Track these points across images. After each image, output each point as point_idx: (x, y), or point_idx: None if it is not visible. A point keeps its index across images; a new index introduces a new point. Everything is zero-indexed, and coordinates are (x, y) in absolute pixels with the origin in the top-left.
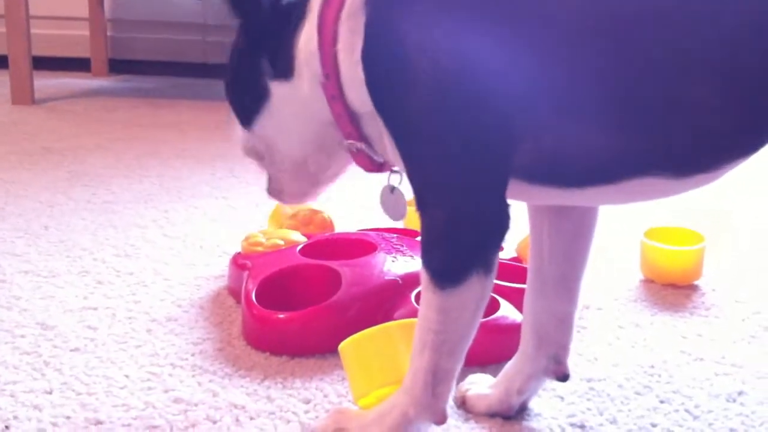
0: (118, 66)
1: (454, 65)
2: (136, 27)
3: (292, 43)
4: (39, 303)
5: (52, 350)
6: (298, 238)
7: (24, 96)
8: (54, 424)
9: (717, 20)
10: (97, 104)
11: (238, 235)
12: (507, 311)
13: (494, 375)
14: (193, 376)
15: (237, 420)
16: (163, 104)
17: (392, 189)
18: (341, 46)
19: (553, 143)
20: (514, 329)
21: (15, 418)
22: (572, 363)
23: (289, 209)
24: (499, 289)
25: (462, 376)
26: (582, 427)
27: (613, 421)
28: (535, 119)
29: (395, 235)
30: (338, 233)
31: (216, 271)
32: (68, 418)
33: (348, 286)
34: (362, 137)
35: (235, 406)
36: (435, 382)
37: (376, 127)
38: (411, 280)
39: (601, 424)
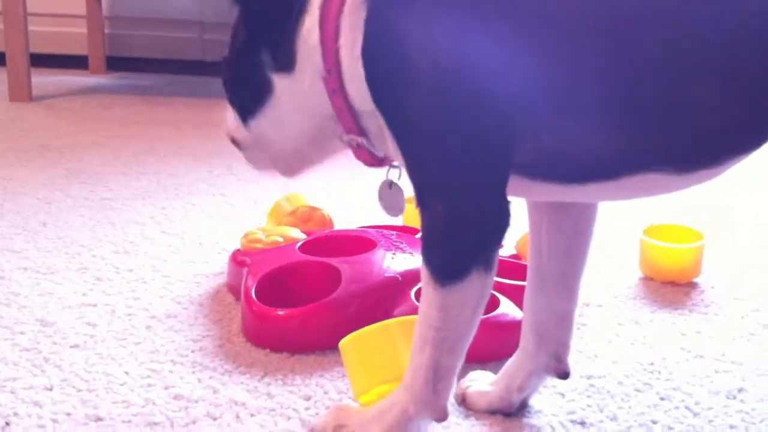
0: (115, 63)
1: (454, 64)
2: (133, 24)
3: (294, 36)
4: (38, 300)
5: (52, 347)
6: (298, 235)
7: (21, 93)
8: (54, 421)
9: (717, 20)
10: (95, 101)
11: (236, 232)
12: (507, 308)
13: (495, 372)
14: (193, 372)
15: (237, 417)
16: (160, 101)
17: (391, 184)
18: (343, 42)
19: (554, 141)
20: (514, 326)
21: (15, 414)
22: (572, 360)
23: (288, 206)
24: (498, 286)
25: (462, 374)
26: (582, 423)
27: (614, 418)
28: (536, 117)
29: (395, 232)
30: (338, 230)
31: (215, 268)
32: (68, 414)
33: (348, 283)
34: (363, 132)
35: (236, 403)
36: (436, 379)
37: (376, 123)
38: (411, 277)
39: (601, 421)
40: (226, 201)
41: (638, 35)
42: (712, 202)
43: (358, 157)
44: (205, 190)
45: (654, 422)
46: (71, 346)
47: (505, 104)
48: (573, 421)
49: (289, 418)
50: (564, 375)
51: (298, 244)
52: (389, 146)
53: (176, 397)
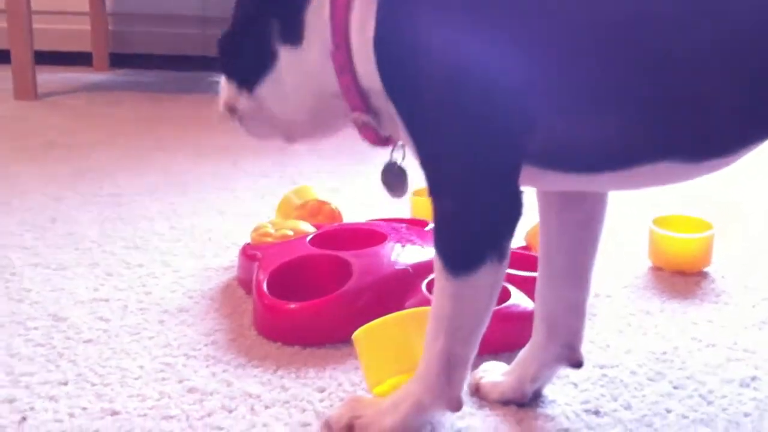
0: (119, 60)
1: (466, 56)
2: (136, 21)
3: (304, 9)
4: (50, 295)
5: (66, 342)
6: (307, 228)
7: (27, 91)
8: (71, 415)
9: (732, 9)
10: (100, 99)
11: (245, 227)
12: (518, 299)
13: (507, 363)
14: (207, 366)
15: (252, 409)
16: (164, 98)
17: (394, 165)
18: (354, 18)
19: (567, 131)
20: (526, 317)
21: (32, 409)
22: (584, 350)
23: (297, 200)
24: (509, 278)
25: (475, 365)
26: (597, 413)
27: (628, 407)
28: (549, 108)
29: (404, 225)
30: (347, 223)
31: (224, 262)
32: (84, 409)
33: (359, 276)
34: (370, 111)
35: (250, 396)
36: (449, 370)
37: (384, 103)
38: (421, 269)
39: (615, 410)
40: (234, 195)
41: (651, 26)
42: (720, 192)
43: (364, 135)
44: (213, 185)
45: (668, 411)
46: (85, 341)
47: (518, 95)
48: (587, 411)
49: (303, 410)
50: (577, 364)
51: (309, 238)
52: (398, 130)
53: (191, 391)
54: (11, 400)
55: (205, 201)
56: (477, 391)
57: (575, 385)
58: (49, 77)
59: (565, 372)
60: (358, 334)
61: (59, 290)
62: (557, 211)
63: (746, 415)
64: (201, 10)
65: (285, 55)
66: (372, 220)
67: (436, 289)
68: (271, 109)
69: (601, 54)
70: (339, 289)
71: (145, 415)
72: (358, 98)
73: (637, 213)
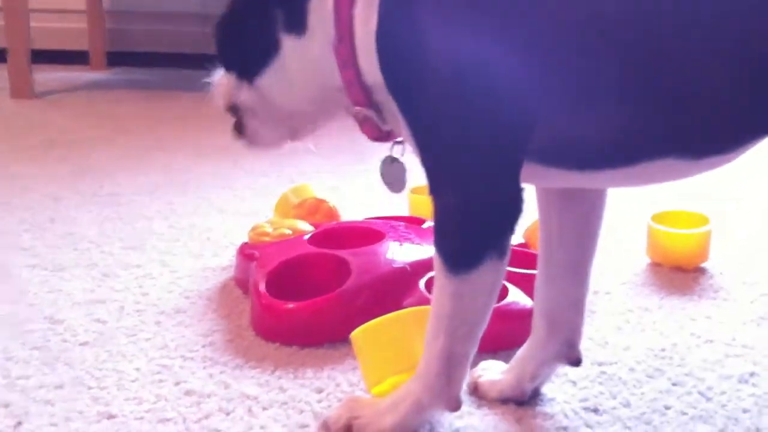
0: (116, 58)
1: (467, 51)
2: (134, 19)
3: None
4: (47, 297)
5: (62, 344)
6: (305, 227)
7: (23, 89)
8: (67, 419)
9: (731, 6)
10: (98, 97)
11: (244, 226)
12: (516, 297)
13: (506, 361)
14: (204, 367)
15: (250, 411)
16: (162, 96)
17: (393, 160)
18: (358, 11)
19: (569, 128)
20: (525, 315)
21: (27, 413)
22: (583, 347)
23: (295, 199)
24: (507, 275)
25: (473, 363)
26: (596, 411)
27: (627, 405)
28: (551, 105)
29: (402, 223)
30: (346, 222)
31: (223, 261)
32: (81, 412)
33: (357, 275)
34: (371, 105)
35: (248, 397)
36: (449, 369)
37: (386, 98)
38: (419, 268)
39: (614, 408)
40: (233, 194)
41: (653, 23)
42: (718, 188)
43: (364, 130)
44: (212, 184)
45: (667, 408)
46: (81, 344)
47: (519, 92)
48: (586, 408)
49: (301, 411)
50: (576, 362)
51: (307, 237)
52: (399, 126)
53: (188, 393)
54: (6, 405)
55: (204, 200)
56: (476, 390)
57: (574, 383)
58: (46, 76)
59: (564, 370)
60: (356, 334)
61: (56, 291)
62: (557, 207)
63: (745, 411)
64: (200, 7)
65: (288, 45)
66: (370, 218)
67: (435, 287)
68: (274, 100)
69: (602, 51)
70: (337, 289)
71: (141, 418)
72: (360, 93)
73: (635, 209)
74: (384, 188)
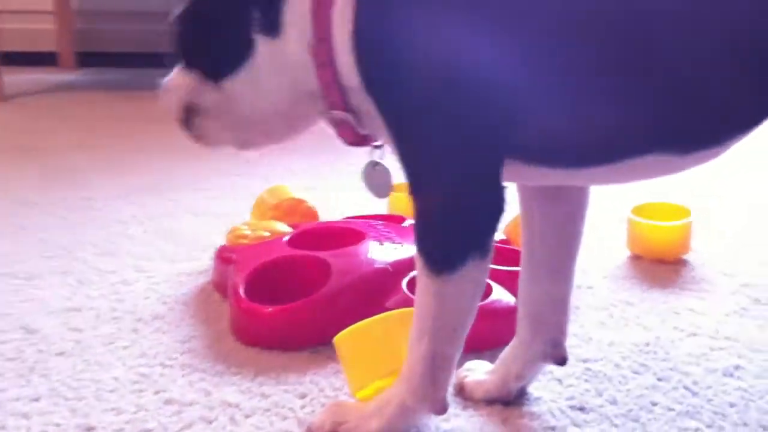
0: (86, 59)
1: (447, 51)
2: (103, 18)
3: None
4: (20, 306)
5: (37, 355)
6: (284, 228)
7: None
8: None
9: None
10: (68, 99)
11: (220, 228)
12: (500, 295)
13: (491, 360)
14: (184, 375)
15: (232, 419)
16: (134, 97)
17: (375, 164)
18: (337, 11)
19: (551, 126)
20: (508, 312)
21: (3, 428)
22: (567, 344)
23: (271, 200)
24: (490, 273)
25: (458, 363)
26: (582, 409)
27: (613, 402)
28: (532, 103)
29: (381, 222)
30: (324, 222)
31: (199, 265)
32: (58, 425)
33: (338, 276)
34: (349, 109)
35: (230, 405)
36: (434, 371)
37: (363, 100)
38: (401, 267)
39: (601, 406)
40: (206, 196)
41: (636, 19)
42: (699, 183)
43: (340, 134)
44: (186, 186)
45: (654, 404)
46: (57, 354)
47: (500, 90)
48: (572, 407)
49: (285, 418)
50: (562, 361)
51: (285, 238)
52: (377, 128)
53: (168, 402)
54: None
55: (178, 202)
56: (461, 391)
57: (559, 381)
58: (14, 78)
59: (549, 367)
60: (339, 338)
61: (30, 301)
62: (538, 205)
63: (732, 405)
64: (169, 5)
65: (262, 46)
66: (349, 217)
67: (418, 288)
68: (240, 103)
69: (584, 47)
70: (318, 291)
71: (121, 429)
72: (338, 95)
73: (614, 202)
74: (368, 193)
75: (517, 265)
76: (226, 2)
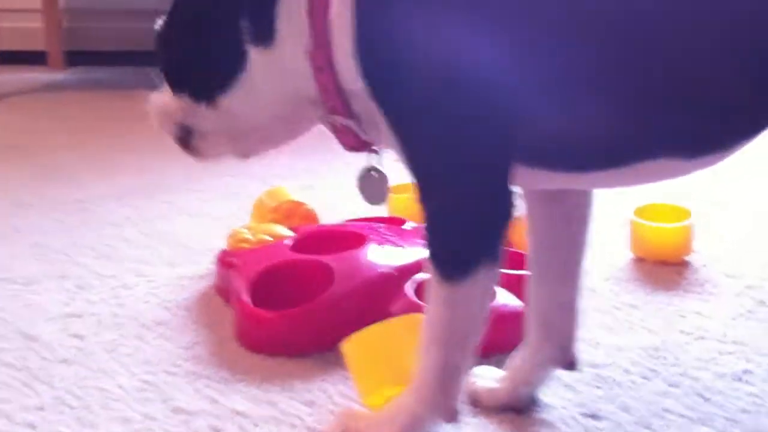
0: (74, 58)
1: (452, 52)
2: (92, 17)
3: (275, 5)
4: (19, 312)
5: (40, 363)
6: (284, 232)
7: None
8: None
9: (722, 4)
10: (59, 98)
11: (218, 231)
12: (505, 299)
13: (498, 365)
14: (188, 383)
15: (241, 428)
16: (125, 96)
17: (373, 170)
18: (334, 15)
19: (557, 130)
20: (515, 317)
21: None
22: (576, 349)
23: (270, 202)
24: None
25: None
26: (594, 416)
27: (625, 409)
28: (540, 106)
29: (382, 225)
30: (325, 225)
31: (199, 269)
32: None
33: (341, 281)
34: (350, 114)
35: (237, 413)
36: (445, 380)
37: (366, 105)
38: (405, 271)
39: (613, 413)
40: (202, 198)
41: (642, 21)
42: (700, 187)
43: (341, 140)
44: (183, 187)
45: (666, 411)
46: (60, 361)
47: (507, 93)
48: (584, 414)
49: (294, 426)
50: (571, 366)
51: (287, 242)
52: (379, 133)
53: (175, 410)
54: None
55: (175, 204)
56: (470, 397)
57: (570, 387)
58: (3, 78)
59: (559, 373)
60: (346, 345)
61: (28, 306)
62: (544, 209)
63: (744, 411)
64: (158, 3)
65: (257, 58)
66: (349, 220)
67: (429, 295)
68: (238, 119)
69: (589, 50)
70: (321, 295)
71: None
72: (338, 99)
73: (615, 205)
74: (362, 199)
75: (520, 269)
76: (210, 18)
